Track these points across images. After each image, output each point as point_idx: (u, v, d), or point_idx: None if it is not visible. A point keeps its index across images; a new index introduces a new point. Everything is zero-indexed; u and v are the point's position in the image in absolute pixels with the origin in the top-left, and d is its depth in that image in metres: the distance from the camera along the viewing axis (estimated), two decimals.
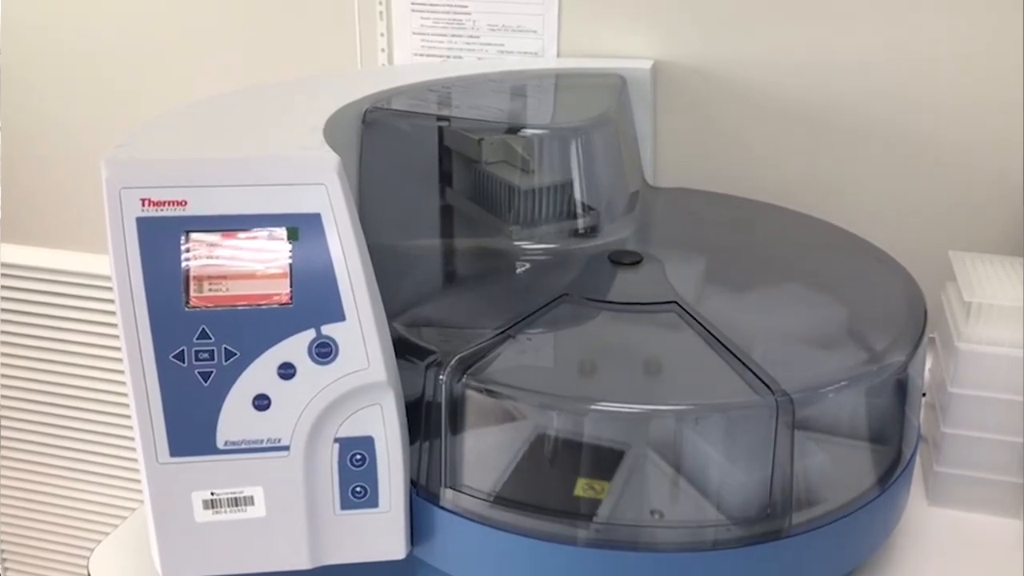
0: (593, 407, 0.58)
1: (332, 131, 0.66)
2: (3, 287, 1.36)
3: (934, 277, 0.79)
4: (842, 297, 0.72)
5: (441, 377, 0.60)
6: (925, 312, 0.69)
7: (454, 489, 0.61)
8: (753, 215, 0.88)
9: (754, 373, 0.59)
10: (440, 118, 0.81)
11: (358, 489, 0.60)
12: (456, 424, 0.60)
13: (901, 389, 0.65)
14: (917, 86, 0.92)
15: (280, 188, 0.57)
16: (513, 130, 0.79)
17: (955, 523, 0.75)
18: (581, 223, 0.79)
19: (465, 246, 0.81)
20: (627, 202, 0.84)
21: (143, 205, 0.56)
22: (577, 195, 0.78)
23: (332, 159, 0.58)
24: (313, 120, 0.67)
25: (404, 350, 0.61)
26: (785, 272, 0.76)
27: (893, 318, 0.68)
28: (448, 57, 1.05)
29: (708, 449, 0.59)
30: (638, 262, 0.74)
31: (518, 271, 0.75)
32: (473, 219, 0.80)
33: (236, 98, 0.74)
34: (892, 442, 0.66)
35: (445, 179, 0.81)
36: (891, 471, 0.65)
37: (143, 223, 0.56)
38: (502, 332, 0.63)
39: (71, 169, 1.26)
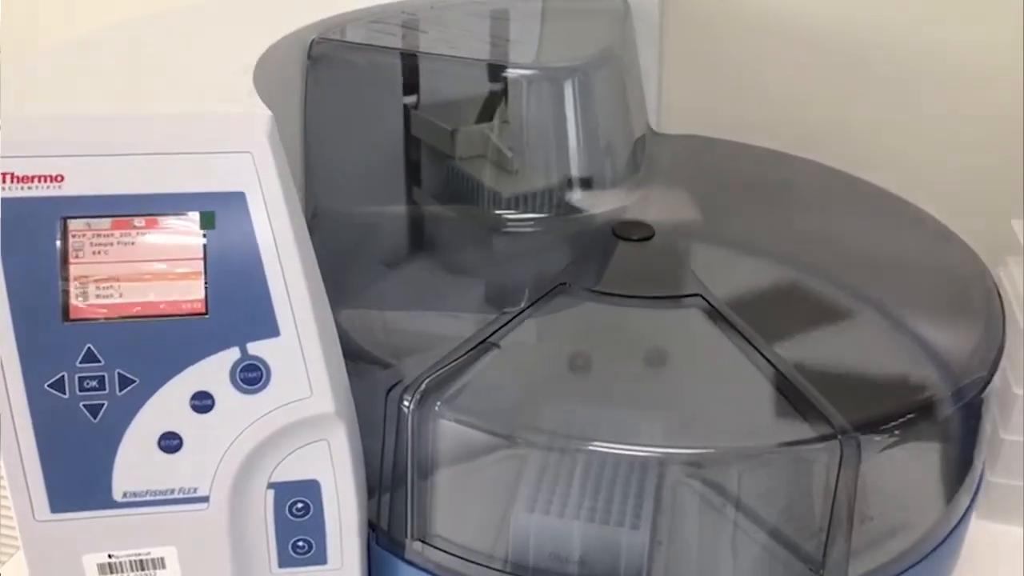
0: (604, 446, 0.46)
1: (267, 72, 0.52)
2: None
3: (989, 249, 0.67)
4: (903, 288, 0.59)
5: (406, 404, 0.47)
6: (1002, 306, 0.57)
7: (423, 541, 0.49)
8: (780, 172, 0.74)
9: (808, 400, 0.46)
10: (404, 52, 0.66)
11: (300, 544, 0.48)
12: (426, 462, 0.48)
13: (979, 411, 0.52)
14: (973, 14, 0.78)
15: (191, 158, 0.44)
16: (494, 68, 0.65)
17: (1014, 541, 0.65)
18: (578, 186, 0.66)
19: (435, 215, 0.67)
20: (632, 158, 0.70)
21: (3, 181, 0.42)
22: (572, 152, 0.65)
23: (262, 116, 0.45)
24: (241, 57, 0.52)
25: (358, 367, 0.48)
26: (827, 251, 0.63)
27: (967, 318, 0.55)
28: None
29: (749, 500, 0.46)
30: (649, 237, 0.61)
31: (503, 250, 0.61)
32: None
33: (138, 28, 0.59)
34: (963, 471, 0.54)
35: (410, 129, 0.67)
36: (957, 501, 0.54)
37: (5, 206, 0.42)
38: (483, 340, 0.50)
39: None
